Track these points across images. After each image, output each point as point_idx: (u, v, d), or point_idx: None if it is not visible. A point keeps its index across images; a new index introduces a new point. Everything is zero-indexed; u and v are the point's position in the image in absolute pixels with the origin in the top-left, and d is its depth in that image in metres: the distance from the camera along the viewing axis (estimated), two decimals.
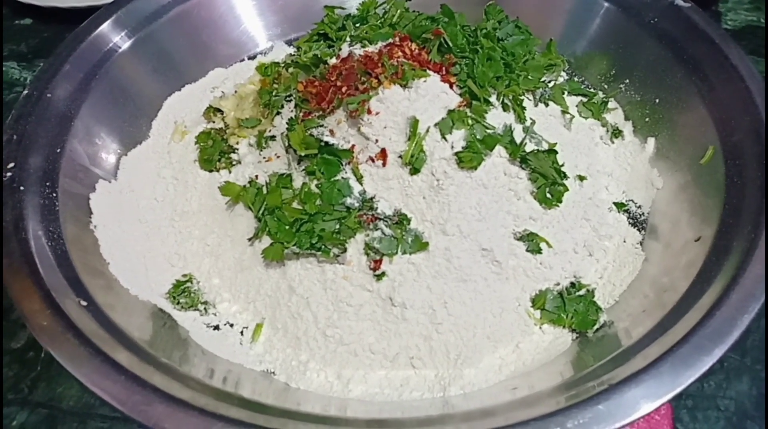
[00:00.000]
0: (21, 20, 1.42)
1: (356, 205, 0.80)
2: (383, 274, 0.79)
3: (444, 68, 0.86)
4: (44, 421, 0.83)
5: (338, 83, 0.85)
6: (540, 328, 0.82)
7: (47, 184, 0.84)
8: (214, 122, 1.02)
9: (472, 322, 0.79)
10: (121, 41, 1.03)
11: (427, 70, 0.83)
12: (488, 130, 0.82)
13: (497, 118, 0.84)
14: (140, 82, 1.05)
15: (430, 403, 0.75)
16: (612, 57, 1.08)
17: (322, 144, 0.82)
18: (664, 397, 0.61)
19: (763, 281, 0.68)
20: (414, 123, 0.79)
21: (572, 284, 0.84)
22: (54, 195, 0.83)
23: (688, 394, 0.82)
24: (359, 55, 0.87)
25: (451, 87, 0.84)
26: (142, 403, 0.64)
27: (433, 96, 0.82)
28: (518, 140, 0.83)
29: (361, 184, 0.81)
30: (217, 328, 0.84)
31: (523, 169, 0.83)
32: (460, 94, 0.84)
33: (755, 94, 0.86)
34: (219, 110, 1.01)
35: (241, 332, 0.83)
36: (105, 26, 1.02)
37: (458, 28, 0.91)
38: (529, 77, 0.93)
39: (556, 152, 0.84)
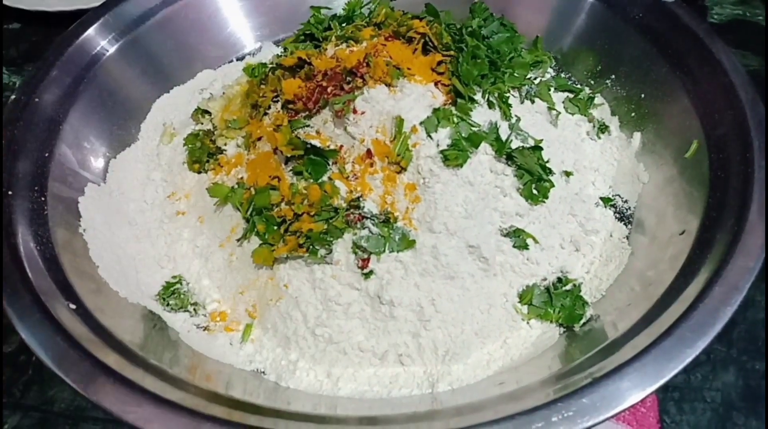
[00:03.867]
0: (9, 25, 1.42)
1: (343, 204, 0.81)
2: (371, 272, 0.79)
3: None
4: (36, 424, 0.84)
5: (324, 83, 0.85)
6: (527, 323, 0.82)
7: (36, 188, 0.84)
8: (202, 124, 1.02)
9: (460, 319, 0.79)
10: (108, 45, 1.03)
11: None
12: (473, 128, 0.82)
13: (483, 115, 0.84)
14: (128, 85, 1.05)
15: (419, 399, 0.76)
16: (598, 53, 1.08)
17: (308, 146, 0.82)
18: (648, 390, 0.62)
19: (745, 273, 0.69)
20: (399, 122, 0.79)
21: (559, 279, 0.85)
22: (43, 199, 0.84)
23: (674, 386, 0.83)
24: (345, 54, 0.88)
25: (436, 85, 0.85)
26: (133, 405, 0.64)
27: (418, 95, 0.82)
28: (504, 137, 0.83)
29: (348, 184, 0.82)
30: (207, 329, 0.84)
31: (509, 165, 0.83)
32: (446, 93, 0.85)
33: (739, 88, 0.86)
34: (207, 112, 1.01)
35: None
36: (92, 30, 1.02)
37: (443, 26, 0.91)
38: (515, 74, 0.94)
39: (542, 149, 0.84)
